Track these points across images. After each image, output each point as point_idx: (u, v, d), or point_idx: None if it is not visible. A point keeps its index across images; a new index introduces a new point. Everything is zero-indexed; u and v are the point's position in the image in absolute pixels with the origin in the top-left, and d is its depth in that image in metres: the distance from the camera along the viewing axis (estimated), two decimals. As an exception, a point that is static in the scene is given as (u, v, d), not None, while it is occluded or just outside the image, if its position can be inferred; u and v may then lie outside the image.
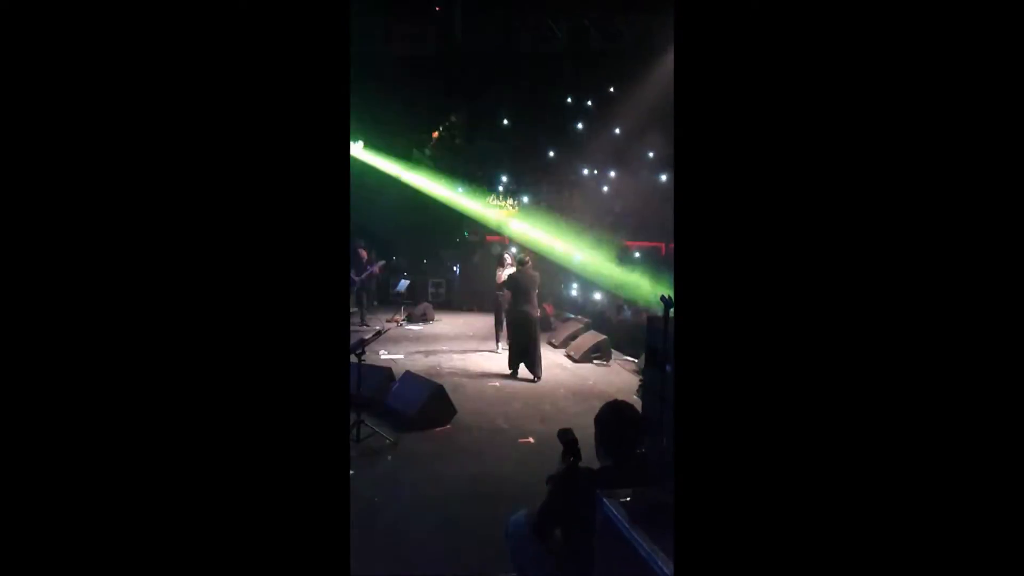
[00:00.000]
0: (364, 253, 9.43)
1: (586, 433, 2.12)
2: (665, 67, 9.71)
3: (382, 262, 9.70)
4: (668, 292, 2.58)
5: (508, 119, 12.11)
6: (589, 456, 2.11)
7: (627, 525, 1.47)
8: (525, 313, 6.28)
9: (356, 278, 9.09)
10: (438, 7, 9.57)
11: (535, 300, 6.37)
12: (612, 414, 2.08)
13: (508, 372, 6.46)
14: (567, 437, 2.10)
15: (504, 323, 7.51)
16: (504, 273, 7.25)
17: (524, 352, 6.33)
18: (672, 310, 2.08)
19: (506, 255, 7.72)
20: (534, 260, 6.81)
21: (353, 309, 9.53)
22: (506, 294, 6.80)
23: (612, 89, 11.39)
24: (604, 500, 1.63)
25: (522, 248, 9.68)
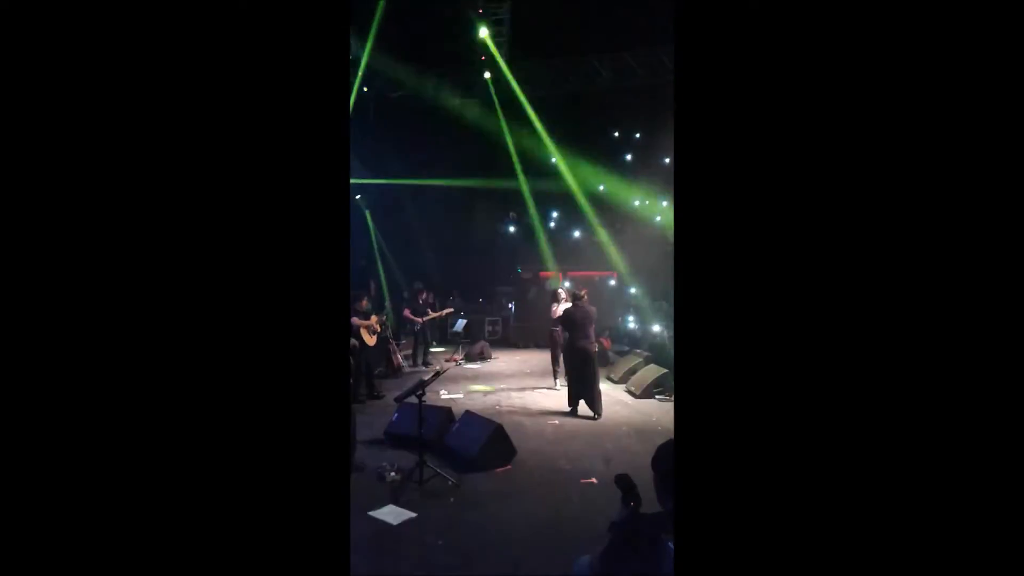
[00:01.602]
0: (424, 295, 9.65)
1: (651, 474, 2.06)
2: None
3: (449, 310, 9.92)
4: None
5: (558, 156, 12.31)
6: (652, 499, 2.05)
7: (695, 573, 1.42)
8: (583, 349, 6.22)
9: (419, 320, 9.28)
10: (483, 56, 9.97)
11: (592, 335, 6.30)
12: (668, 456, 2.02)
13: (567, 410, 6.38)
14: (625, 484, 2.05)
15: (561, 359, 7.46)
16: (559, 308, 7.24)
17: (583, 389, 6.25)
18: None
19: (560, 290, 7.71)
20: (590, 294, 6.76)
21: (409, 351, 9.72)
22: (561, 330, 6.76)
23: (657, 120, 11.43)
24: (670, 545, 1.57)
25: (577, 283, 9.66)
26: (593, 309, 6.43)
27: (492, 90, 10.70)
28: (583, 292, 6.57)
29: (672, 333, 9.50)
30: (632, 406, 6.82)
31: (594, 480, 4.38)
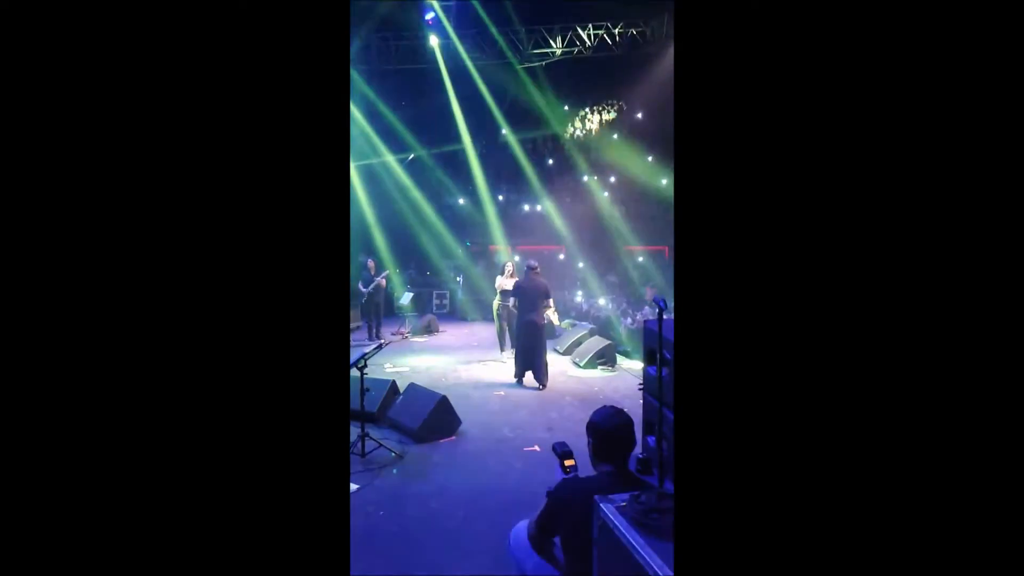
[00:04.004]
0: (372, 265, 9.49)
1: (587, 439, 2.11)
2: (661, 72, 9.79)
3: (385, 272, 9.74)
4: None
5: (507, 129, 12.19)
6: (589, 464, 2.10)
7: (623, 529, 1.46)
8: (531, 321, 6.26)
9: (364, 289, 9.13)
10: (430, 20, 9.66)
11: (541, 308, 6.34)
12: (603, 421, 2.08)
13: (513, 381, 6.44)
14: (560, 450, 2.11)
15: (506, 331, 7.50)
16: (507, 281, 7.25)
17: (530, 360, 6.31)
18: (664, 312, 2.07)
19: (508, 263, 7.72)
20: (541, 267, 6.77)
21: (359, 323, 9.55)
22: (512, 302, 6.77)
23: (609, 95, 11.47)
24: (601, 505, 1.61)
25: (526, 256, 9.66)
26: (544, 282, 6.46)
27: (440, 57, 10.40)
28: (536, 264, 6.56)
29: (619, 305, 9.72)
30: (576, 376, 6.97)
31: (537, 448, 4.46)
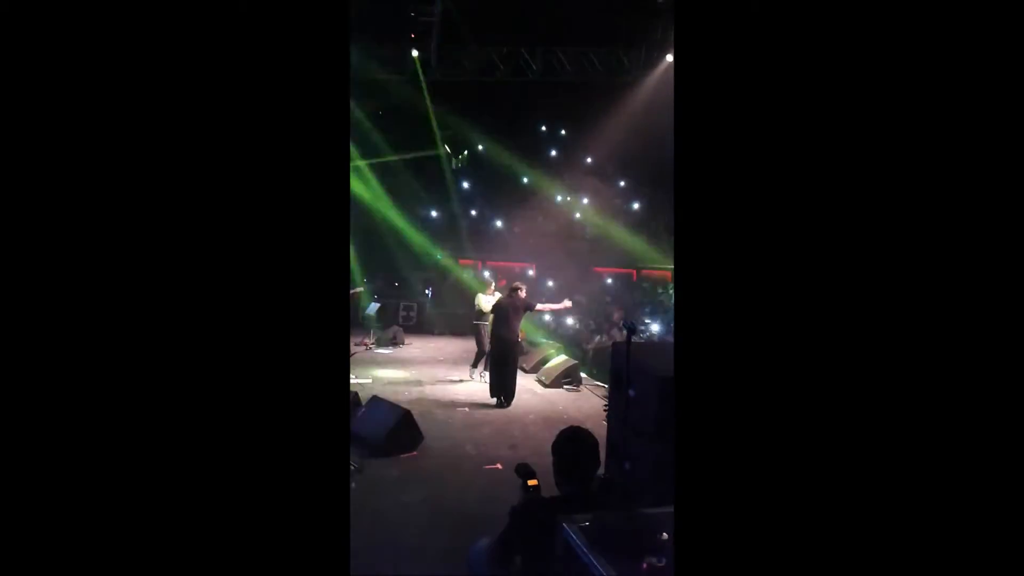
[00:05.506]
0: None
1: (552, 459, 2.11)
2: (637, 96, 10.06)
3: (357, 289, 9.61)
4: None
5: (483, 146, 12.26)
6: (552, 484, 2.10)
7: (585, 550, 1.47)
8: (503, 337, 6.31)
9: None
10: (414, 35, 9.71)
11: (515, 326, 6.41)
12: (568, 442, 2.09)
13: (480, 399, 6.41)
14: (524, 471, 2.11)
15: (483, 349, 7.45)
16: (487, 299, 7.20)
17: (502, 377, 6.32)
18: (632, 335, 2.10)
19: (491, 278, 7.69)
20: (508, 283, 6.83)
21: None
22: (489, 319, 6.79)
23: (584, 118, 11.69)
24: (564, 526, 1.62)
25: (496, 272, 9.67)
26: (526, 302, 6.52)
27: (420, 69, 10.44)
28: (520, 285, 6.63)
29: (587, 326, 9.80)
30: (541, 395, 6.97)
31: (499, 465, 4.44)
